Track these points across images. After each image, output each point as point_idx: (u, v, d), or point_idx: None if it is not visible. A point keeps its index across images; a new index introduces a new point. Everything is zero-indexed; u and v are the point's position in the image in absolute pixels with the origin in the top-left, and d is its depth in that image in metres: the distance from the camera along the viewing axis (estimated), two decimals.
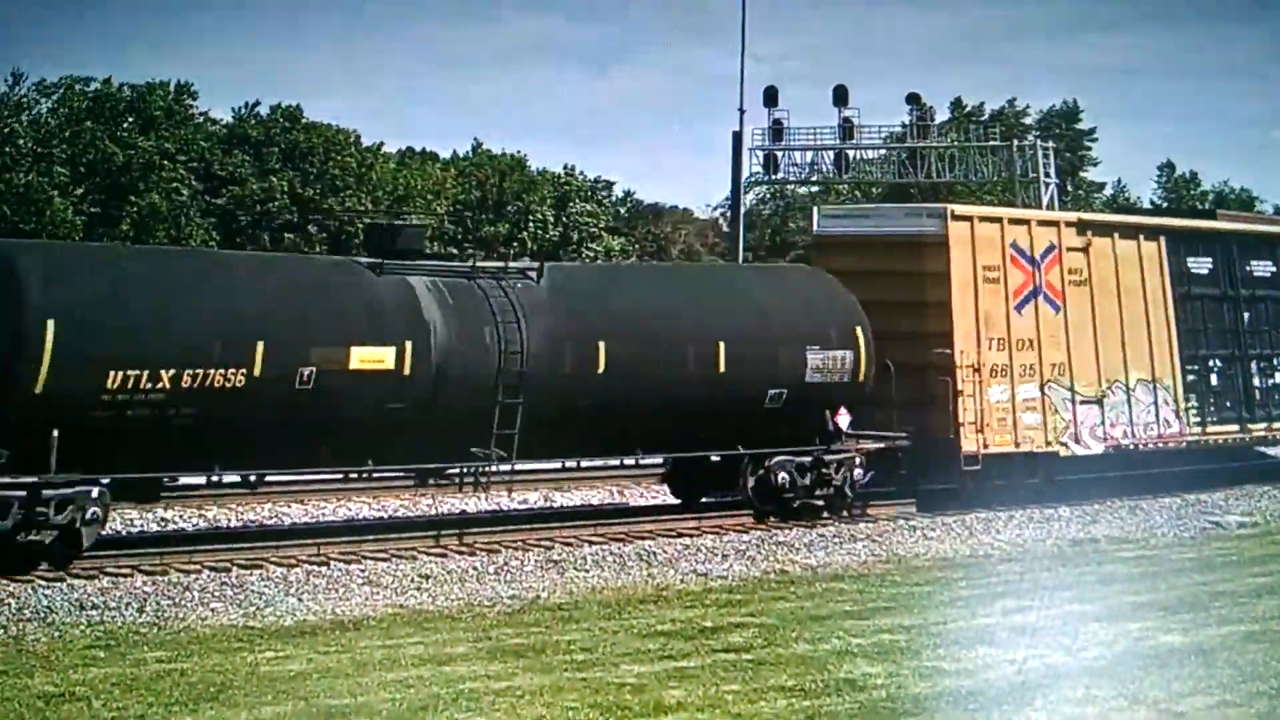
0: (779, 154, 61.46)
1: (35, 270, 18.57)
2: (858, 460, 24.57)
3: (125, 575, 18.66)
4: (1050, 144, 64.58)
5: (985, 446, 25.86)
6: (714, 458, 24.49)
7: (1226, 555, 22.60)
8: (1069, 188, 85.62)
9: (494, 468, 21.73)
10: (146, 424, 18.73)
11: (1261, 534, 25.37)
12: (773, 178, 64.01)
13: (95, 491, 18.59)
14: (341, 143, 74.28)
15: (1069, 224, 28.30)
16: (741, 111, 59.02)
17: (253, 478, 21.02)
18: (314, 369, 19.70)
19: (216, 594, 17.96)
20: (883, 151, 66.45)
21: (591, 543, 22.09)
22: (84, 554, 18.88)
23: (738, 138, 59.67)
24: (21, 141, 65.60)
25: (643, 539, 22.58)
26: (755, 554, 21.84)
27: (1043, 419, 26.73)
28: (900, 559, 22.03)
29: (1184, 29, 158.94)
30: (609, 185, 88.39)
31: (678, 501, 25.68)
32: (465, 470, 22.01)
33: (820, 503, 24.44)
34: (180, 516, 23.61)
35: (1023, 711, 12.60)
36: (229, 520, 23.83)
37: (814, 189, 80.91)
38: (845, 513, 24.81)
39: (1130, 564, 21.62)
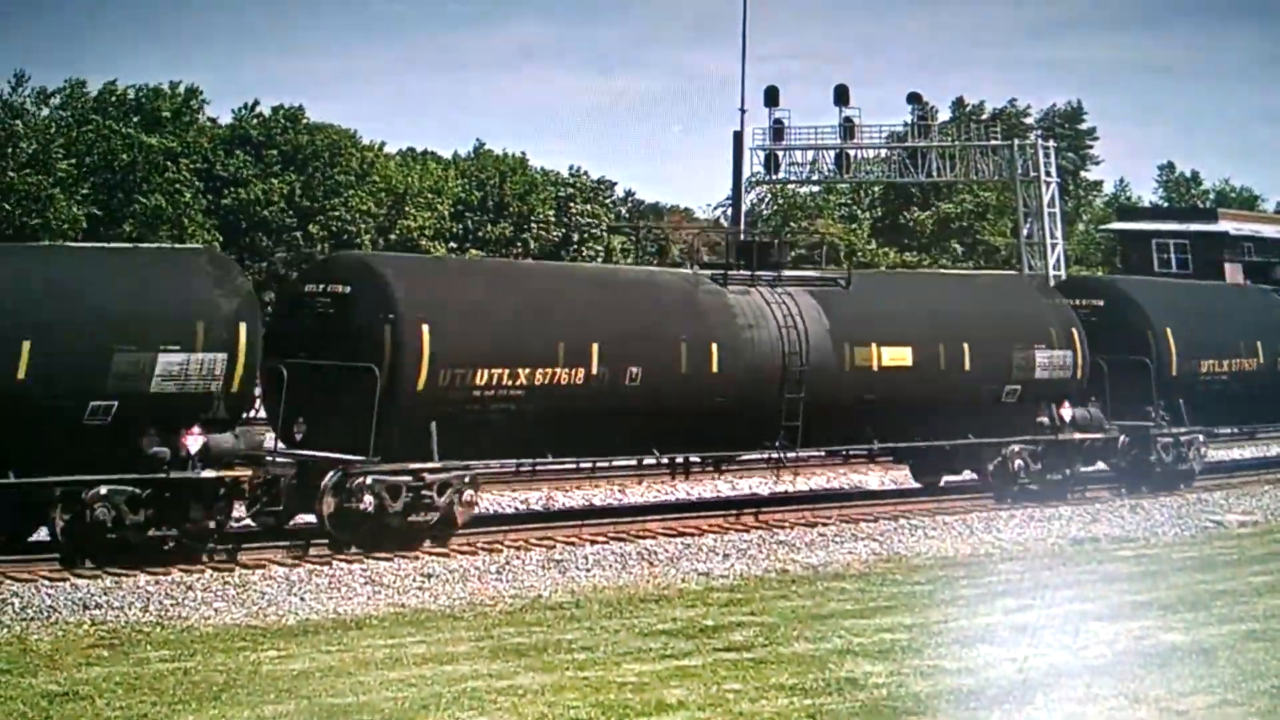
0: (780, 153, 61.46)
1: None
2: None
3: (128, 574, 18.69)
4: (1051, 143, 64.55)
5: None
6: None
7: (1227, 554, 22.61)
8: (1070, 187, 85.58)
9: None
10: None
11: (1262, 532, 25.40)
12: (774, 177, 64.01)
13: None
14: (345, 146, 74.24)
15: None
16: (743, 111, 59.12)
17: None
18: (1254, 360, 31.92)
19: (219, 593, 17.99)
20: (884, 151, 66.52)
21: (593, 541, 22.13)
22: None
23: (739, 137, 59.71)
24: (24, 144, 65.56)
25: (644, 538, 22.62)
26: (756, 553, 21.87)
27: None
28: (901, 558, 22.05)
29: (1185, 29, 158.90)
30: (610, 185, 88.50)
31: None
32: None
33: None
34: None
35: (1024, 710, 12.63)
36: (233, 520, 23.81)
37: (815, 188, 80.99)
38: None
39: (1131, 563, 21.63)
